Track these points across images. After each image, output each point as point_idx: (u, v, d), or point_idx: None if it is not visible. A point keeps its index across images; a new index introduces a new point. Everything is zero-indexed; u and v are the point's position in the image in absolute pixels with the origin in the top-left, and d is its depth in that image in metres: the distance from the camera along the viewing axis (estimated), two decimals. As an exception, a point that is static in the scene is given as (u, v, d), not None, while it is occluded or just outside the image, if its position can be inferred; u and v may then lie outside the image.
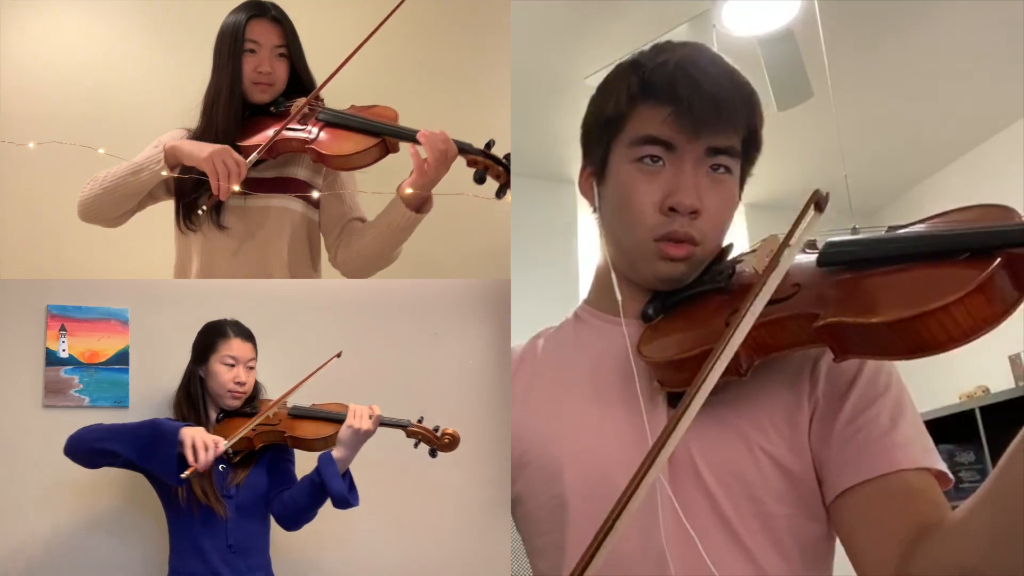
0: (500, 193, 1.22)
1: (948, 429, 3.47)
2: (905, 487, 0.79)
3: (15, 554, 1.23)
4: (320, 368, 1.19)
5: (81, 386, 1.30)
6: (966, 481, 3.41)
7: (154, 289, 1.37)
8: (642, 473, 0.62)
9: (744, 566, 0.82)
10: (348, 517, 1.31)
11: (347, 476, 1.18)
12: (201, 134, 1.33)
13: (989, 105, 3.70)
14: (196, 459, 1.08)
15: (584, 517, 0.86)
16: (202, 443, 1.09)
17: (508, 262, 1.28)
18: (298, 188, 1.36)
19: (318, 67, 1.39)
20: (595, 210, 1.00)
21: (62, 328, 1.30)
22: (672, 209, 0.88)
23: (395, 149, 1.29)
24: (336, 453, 1.16)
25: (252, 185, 1.27)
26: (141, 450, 1.11)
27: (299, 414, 1.23)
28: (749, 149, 0.94)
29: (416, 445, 1.23)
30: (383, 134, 1.27)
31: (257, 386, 1.27)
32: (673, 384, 0.85)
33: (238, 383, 1.23)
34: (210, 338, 1.25)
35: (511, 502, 0.96)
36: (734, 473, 0.84)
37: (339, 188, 1.39)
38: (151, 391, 1.32)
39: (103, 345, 1.31)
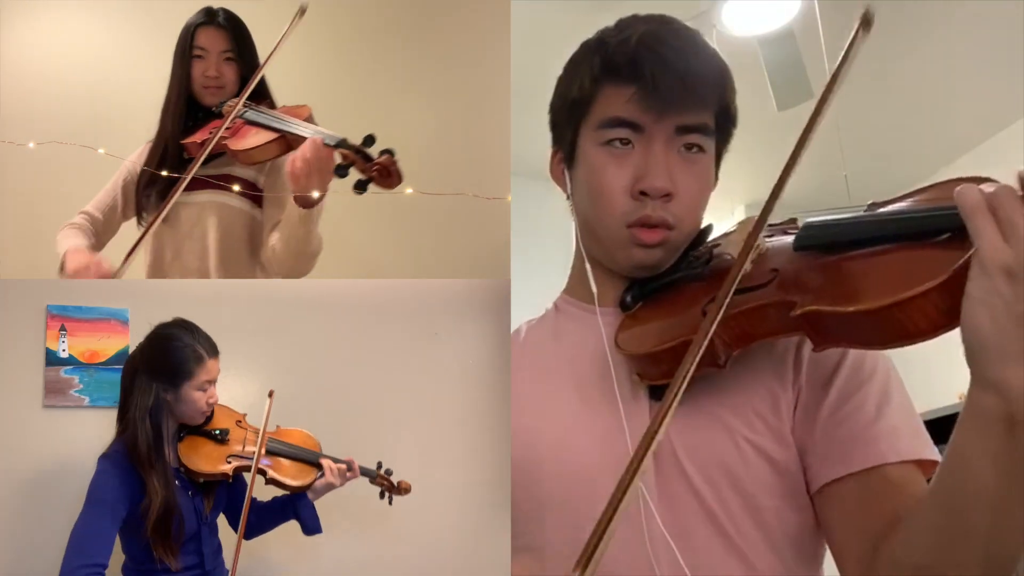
0: (357, 187, 1.17)
1: (948, 429, 3.44)
2: (885, 482, 0.77)
3: (13, 555, 1.23)
4: (267, 415, 1.18)
5: (81, 386, 1.30)
6: (966, 481, 3.40)
7: (154, 289, 1.37)
8: (627, 481, 0.59)
9: (735, 563, 0.79)
10: (346, 518, 1.32)
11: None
12: (156, 136, 1.41)
13: (989, 105, 3.69)
14: None
15: (563, 519, 0.83)
16: None
17: (508, 262, 1.27)
18: (241, 186, 1.40)
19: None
20: (568, 196, 0.97)
21: (62, 328, 1.30)
22: (643, 193, 0.85)
23: (296, 144, 1.28)
24: (311, 496, 1.20)
25: (197, 183, 1.33)
26: None
27: (278, 452, 1.22)
28: (724, 125, 0.91)
29: (382, 495, 1.27)
30: (282, 132, 1.31)
31: None
32: (652, 377, 0.82)
33: (211, 403, 1.17)
34: (184, 364, 1.14)
35: None
36: (720, 466, 0.80)
37: (280, 190, 1.40)
38: (151, 391, 1.32)
39: (103, 345, 1.31)
